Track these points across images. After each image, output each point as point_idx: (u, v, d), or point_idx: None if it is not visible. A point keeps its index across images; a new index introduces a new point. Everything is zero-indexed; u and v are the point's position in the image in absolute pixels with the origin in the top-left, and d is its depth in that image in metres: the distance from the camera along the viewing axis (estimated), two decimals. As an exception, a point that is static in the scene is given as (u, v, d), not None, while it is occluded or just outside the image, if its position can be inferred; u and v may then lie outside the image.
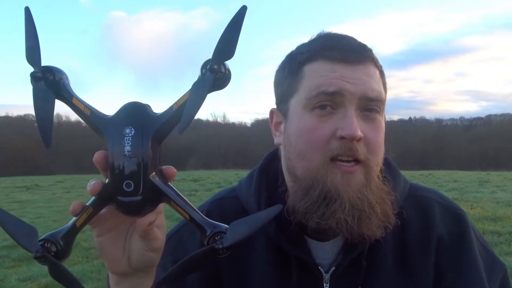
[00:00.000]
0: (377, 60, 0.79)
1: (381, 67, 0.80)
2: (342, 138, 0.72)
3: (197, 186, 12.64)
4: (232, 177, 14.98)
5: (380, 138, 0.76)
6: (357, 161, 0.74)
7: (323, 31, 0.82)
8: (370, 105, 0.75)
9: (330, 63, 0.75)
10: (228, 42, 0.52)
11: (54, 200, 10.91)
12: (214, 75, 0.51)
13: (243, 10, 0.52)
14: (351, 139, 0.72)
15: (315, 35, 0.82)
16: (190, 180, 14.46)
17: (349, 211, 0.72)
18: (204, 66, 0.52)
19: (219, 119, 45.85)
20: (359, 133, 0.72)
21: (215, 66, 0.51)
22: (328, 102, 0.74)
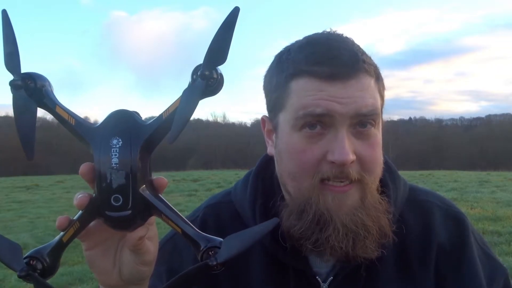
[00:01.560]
0: (371, 66, 0.72)
1: (376, 73, 0.74)
2: (332, 162, 0.69)
3: (197, 186, 12.63)
4: (232, 177, 14.96)
5: (375, 153, 0.73)
6: (350, 180, 0.71)
7: (310, 35, 0.76)
8: (364, 120, 0.71)
9: (317, 81, 0.70)
10: (220, 46, 0.49)
11: (54, 200, 10.91)
12: (206, 82, 0.48)
13: (235, 12, 0.49)
14: (342, 165, 0.69)
15: (303, 40, 0.76)
16: (190, 180, 14.45)
17: (343, 235, 0.70)
18: (195, 71, 0.49)
19: (219, 119, 45.82)
20: (351, 157, 0.68)
21: (207, 72, 0.48)
22: (317, 122, 0.70)
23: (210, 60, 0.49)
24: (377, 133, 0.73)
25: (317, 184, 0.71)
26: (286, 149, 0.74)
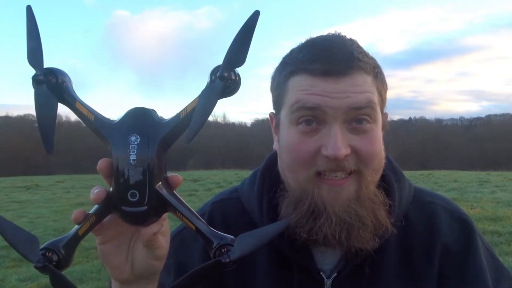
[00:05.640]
0: (368, 64, 0.74)
1: (375, 71, 0.75)
2: (327, 156, 0.71)
3: (197, 186, 12.62)
4: (232, 177, 14.96)
5: (374, 148, 0.74)
6: (347, 171, 0.72)
7: (310, 38, 0.79)
8: (359, 115, 0.72)
9: (312, 77, 0.72)
10: (239, 48, 0.50)
11: (54, 200, 10.90)
12: (224, 83, 0.50)
13: (255, 15, 0.50)
14: (335, 159, 0.70)
15: (303, 42, 0.79)
16: (190, 180, 14.43)
17: (336, 225, 0.71)
18: (213, 72, 0.50)
19: (219, 119, 45.81)
20: (343, 152, 0.70)
21: (225, 74, 0.49)
22: (311, 118, 0.72)
23: (229, 61, 0.50)
24: (375, 128, 0.75)
25: (313, 176, 0.73)
26: (285, 143, 0.77)
